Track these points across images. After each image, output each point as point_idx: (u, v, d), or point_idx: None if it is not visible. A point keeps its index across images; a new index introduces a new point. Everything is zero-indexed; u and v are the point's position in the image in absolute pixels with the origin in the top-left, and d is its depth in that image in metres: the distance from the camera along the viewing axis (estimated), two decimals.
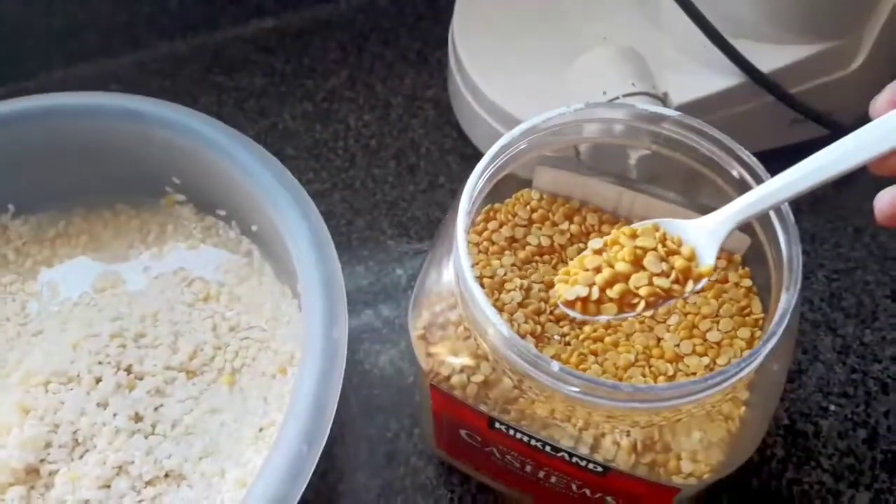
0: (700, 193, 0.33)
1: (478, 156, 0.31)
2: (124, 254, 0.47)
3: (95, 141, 0.44)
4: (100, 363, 0.41)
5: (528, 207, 0.35)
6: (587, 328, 0.33)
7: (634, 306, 0.29)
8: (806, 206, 0.49)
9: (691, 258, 0.29)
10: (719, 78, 0.44)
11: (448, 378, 0.32)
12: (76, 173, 0.46)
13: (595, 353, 0.32)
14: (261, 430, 0.41)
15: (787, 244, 0.29)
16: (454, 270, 0.30)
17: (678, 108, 0.42)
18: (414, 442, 0.43)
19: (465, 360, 0.31)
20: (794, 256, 0.29)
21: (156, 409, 0.40)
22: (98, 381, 0.40)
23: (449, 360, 0.32)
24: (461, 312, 0.31)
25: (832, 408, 0.43)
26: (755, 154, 0.31)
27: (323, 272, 0.38)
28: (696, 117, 0.32)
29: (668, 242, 0.29)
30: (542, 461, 0.33)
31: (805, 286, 0.46)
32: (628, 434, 0.30)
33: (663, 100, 0.44)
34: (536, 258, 0.35)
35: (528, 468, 0.35)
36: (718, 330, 0.32)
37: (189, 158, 0.44)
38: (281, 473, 0.33)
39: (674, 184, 0.35)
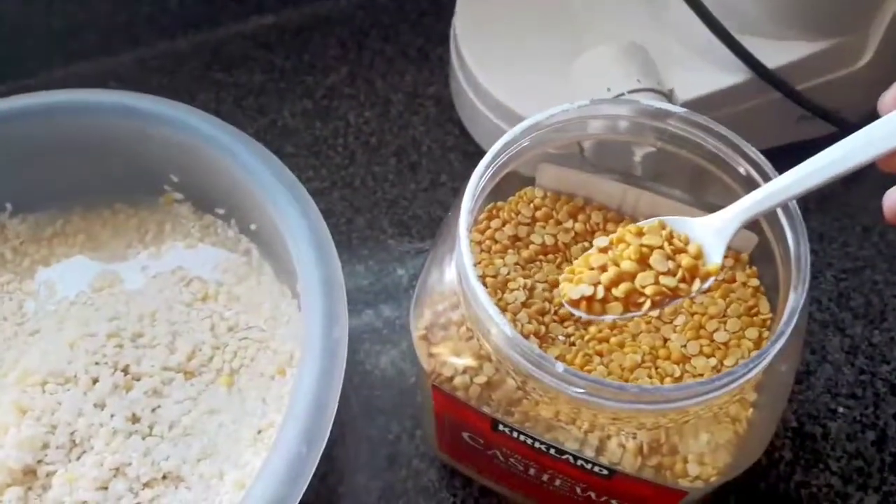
0: (706, 191, 0.33)
1: (480, 153, 0.31)
2: (122, 253, 0.47)
3: (93, 138, 0.44)
4: (97, 363, 0.40)
5: (531, 205, 0.35)
6: (592, 329, 0.32)
7: (640, 305, 0.28)
8: (814, 204, 0.49)
9: (698, 256, 0.29)
10: (726, 74, 0.44)
11: (450, 379, 0.31)
12: (74, 171, 0.46)
13: (600, 354, 0.32)
14: (260, 431, 0.40)
15: (795, 242, 0.29)
16: (456, 270, 0.30)
17: (684, 105, 0.41)
18: (416, 444, 0.42)
19: (467, 360, 0.31)
20: (803, 254, 0.29)
21: (153, 410, 0.40)
22: (95, 381, 0.40)
23: (451, 360, 0.31)
24: (464, 312, 0.30)
25: (840, 410, 0.43)
26: (762, 151, 0.30)
27: (323, 271, 0.37)
28: (702, 114, 0.31)
29: (675, 240, 0.29)
30: (547, 464, 0.33)
31: (813, 286, 0.46)
32: (634, 436, 0.30)
33: (669, 96, 0.44)
34: (540, 257, 0.34)
35: (531, 471, 0.35)
36: (726, 330, 0.32)
37: (188, 156, 0.43)
38: (280, 475, 0.33)
39: (679, 181, 0.34)
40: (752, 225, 0.30)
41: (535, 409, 0.30)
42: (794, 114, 0.46)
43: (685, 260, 0.28)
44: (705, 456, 0.29)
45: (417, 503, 0.41)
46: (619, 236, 0.29)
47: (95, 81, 0.55)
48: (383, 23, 0.58)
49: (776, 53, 0.43)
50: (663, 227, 0.29)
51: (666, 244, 0.29)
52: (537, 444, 0.31)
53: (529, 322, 0.32)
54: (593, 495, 0.34)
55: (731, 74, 0.44)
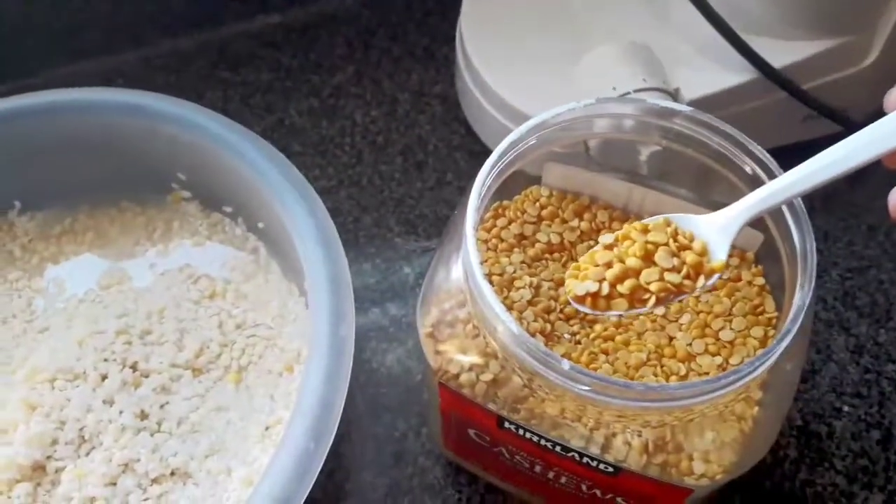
0: (712, 190, 0.33)
1: (486, 152, 0.31)
2: (130, 251, 0.47)
3: (101, 137, 0.44)
4: (105, 360, 0.41)
5: (537, 204, 0.35)
6: (598, 327, 0.32)
7: (645, 302, 0.28)
8: (819, 203, 0.49)
9: (703, 253, 0.29)
10: (731, 74, 0.44)
11: (457, 376, 0.32)
12: (82, 169, 0.46)
13: (606, 352, 0.32)
14: (267, 428, 0.40)
15: (800, 239, 0.29)
16: (463, 268, 0.30)
17: (690, 104, 0.41)
18: (422, 441, 0.43)
19: (474, 358, 0.31)
20: (809, 252, 0.29)
21: (161, 406, 0.40)
22: (104, 378, 0.40)
23: (458, 358, 0.31)
24: (470, 310, 0.30)
25: (846, 408, 0.43)
26: (768, 150, 0.30)
27: (330, 269, 0.38)
28: (708, 113, 0.31)
29: (680, 237, 0.29)
30: (552, 461, 0.33)
31: (818, 285, 0.46)
32: (640, 434, 0.30)
33: (674, 95, 0.44)
34: (546, 255, 0.34)
35: (537, 468, 0.35)
36: (731, 329, 0.32)
37: (195, 154, 0.43)
38: (287, 472, 0.33)
39: (685, 180, 0.34)
40: (758, 223, 0.30)
41: (541, 407, 0.30)
42: (800, 113, 0.46)
43: (690, 257, 0.28)
44: (711, 454, 0.30)
45: (423, 500, 0.41)
46: (624, 233, 0.29)
47: (99, 80, 0.55)
48: (390, 22, 0.58)
49: (782, 53, 0.43)
50: (668, 225, 0.29)
51: (671, 241, 0.29)
52: (543, 442, 0.31)
53: (535, 320, 0.32)
54: (599, 493, 0.34)
55: (736, 74, 0.44)
